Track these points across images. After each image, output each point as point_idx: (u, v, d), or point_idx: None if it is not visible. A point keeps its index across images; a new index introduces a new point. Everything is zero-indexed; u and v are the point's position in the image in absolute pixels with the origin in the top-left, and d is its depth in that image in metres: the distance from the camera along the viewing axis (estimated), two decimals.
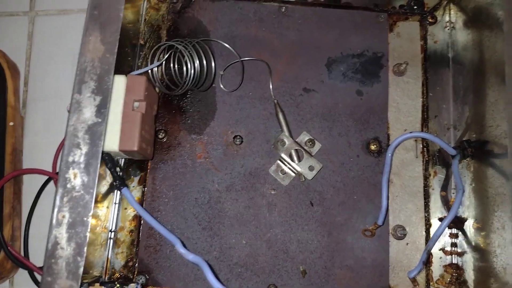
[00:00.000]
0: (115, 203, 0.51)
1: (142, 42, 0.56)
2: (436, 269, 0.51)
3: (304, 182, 0.52)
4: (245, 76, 0.55)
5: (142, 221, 0.51)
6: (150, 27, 0.57)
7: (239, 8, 0.57)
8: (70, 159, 0.36)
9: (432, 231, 0.52)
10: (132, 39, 0.54)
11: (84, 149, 0.36)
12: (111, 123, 0.41)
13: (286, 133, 0.53)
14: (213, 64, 0.52)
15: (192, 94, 0.55)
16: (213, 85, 0.54)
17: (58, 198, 0.35)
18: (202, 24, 0.56)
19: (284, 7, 0.57)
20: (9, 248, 0.56)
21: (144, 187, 0.52)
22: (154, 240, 0.51)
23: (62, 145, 0.63)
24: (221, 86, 0.54)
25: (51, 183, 0.63)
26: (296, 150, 0.52)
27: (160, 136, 0.53)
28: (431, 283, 0.51)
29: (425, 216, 0.52)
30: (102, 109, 0.37)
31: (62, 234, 0.35)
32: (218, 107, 0.54)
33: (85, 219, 0.35)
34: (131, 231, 0.51)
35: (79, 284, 0.34)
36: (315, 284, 0.50)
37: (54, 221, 0.35)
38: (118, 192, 0.51)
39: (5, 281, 0.60)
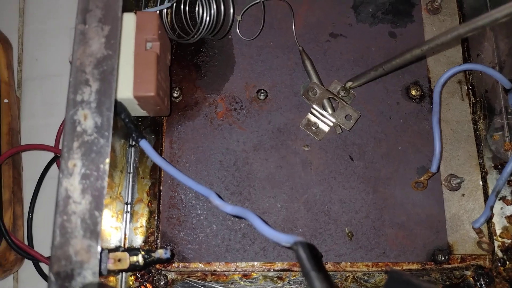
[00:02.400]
0: (129, 173, 0.45)
1: None
2: (498, 222, 0.45)
3: (340, 135, 0.46)
4: (265, 26, 0.49)
5: (162, 190, 0.45)
6: None
7: None
8: (79, 98, 0.30)
9: (489, 178, 0.46)
10: None
11: (95, 86, 0.30)
12: (121, 67, 0.35)
13: (316, 81, 0.47)
14: (231, 8, 0.46)
15: (207, 47, 0.49)
16: (230, 34, 0.48)
17: (66, 144, 0.29)
18: None
19: None
20: (11, 237, 0.50)
21: (161, 153, 0.46)
22: (177, 210, 0.44)
23: None
24: (239, 33, 0.48)
25: (54, 167, 0.57)
26: (329, 99, 0.46)
27: (175, 95, 0.47)
28: (494, 237, 0.45)
29: (480, 163, 0.47)
30: (112, 40, 0.31)
31: (74, 185, 0.29)
32: (237, 60, 0.49)
33: (102, 166, 0.29)
34: (150, 201, 0.44)
35: (98, 242, 0.28)
36: (364, 246, 0.44)
37: (64, 171, 0.29)
38: (132, 159, 0.45)
39: (8, 275, 0.53)
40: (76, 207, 0.28)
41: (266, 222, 0.29)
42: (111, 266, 0.31)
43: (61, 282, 0.27)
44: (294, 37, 0.48)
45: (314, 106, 0.46)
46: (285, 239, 0.26)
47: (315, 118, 0.47)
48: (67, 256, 0.28)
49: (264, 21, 0.49)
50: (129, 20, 0.37)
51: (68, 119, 0.30)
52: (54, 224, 0.28)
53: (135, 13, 0.37)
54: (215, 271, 0.43)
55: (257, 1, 0.47)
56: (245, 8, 0.48)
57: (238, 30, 0.48)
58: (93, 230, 0.28)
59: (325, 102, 0.46)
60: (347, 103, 0.46)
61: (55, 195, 0.58)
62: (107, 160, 0.29)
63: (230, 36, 0.49)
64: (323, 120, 0.46)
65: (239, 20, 0.47)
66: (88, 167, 0.29)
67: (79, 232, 0.28)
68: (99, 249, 0.28)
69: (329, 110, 0.46)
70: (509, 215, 0.45)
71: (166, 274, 0.43)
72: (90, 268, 0.27)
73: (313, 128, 0.47)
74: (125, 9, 0.39)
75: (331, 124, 0.46)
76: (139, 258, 0.33)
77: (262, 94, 0.47)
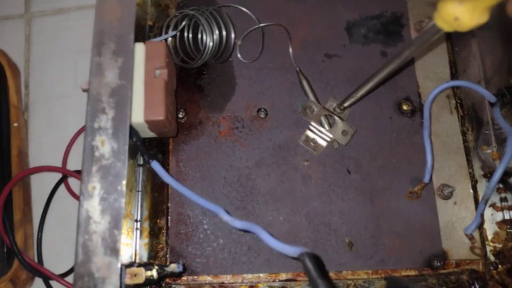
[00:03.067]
0: (138, 191, 0.47)
1: (150, 23, 0.53)
2: (489, 228, 0.48)
3: (338, 149, 0.49)
4: (264, 49, 0.52)
5: (170, 206, 0.47)
6: (158, 7, 0.54)
7: None
8: (96, 125, 0.32)
9: (479, 187, 0.49)
10: (140, 21, 0.51)
11: (110, 113, 0.33)
12: (133, 94, 0.38)
13: (313, 99, 0.50)
14: (232, 33, 0.49)
15: (209, 70, 0.51)
16: (231, 57, 0.51)
17: (85, 168, 0.31)
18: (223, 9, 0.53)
19: None
20: (23, 256, 0.52)
21: (168, 171, 0.48)
22: (184, 226, 0.47)
23: (73, 141, 0.59)
24: (239, 56, 0.51)
25: (62, 187, 0.59)
26: (326, 116, 0.49)
27: (180, 116, 0.49)
28: (486, 242, 0.47)
29: (470, 172, 0.49)
30: (125, 71, 0.34)
31: (94, 206, 0.31)
32: (237, 81, 0.51)
33: (119, 187, 0.31)
34: (158, 218, 0.47)
35: (118, 259, 0.30)
36: (364, 255, 0.46)
37: (84, 193, 0.31)
38: (140, 178, 0.47)
39: None
40: (96, 226, 0.30)
41: (273, 236, 0.31)
42: (128, 281, 0.34)
43: None
44: (291, 59, 0.51)
45: (312, 123, 0.49)
46: (292, 250, 0.28)
47: (313, 134, 0.49)
48: (90, 273, 0.30)
49: (263, 45, 0.52)
50: (139, 50, 0.39)
51: (87, 145, 0.32)
52: (77, 243, 0.30)
53: (144, 43, 0.40)
54: (222, 283, 0.45)
55: (256, 26, 0.50)
56: (245, 33, 0.51)
57: (238, 54, 0.51)
58: (113, 248, 0.30)
59: (322, 119, 0.49)
60: (343, 120, 0.49)
61: (64, 213, 0.60)
62: (124, 182, 0.31)
63: (231, 59, 0.52)
64: (321, 136, 0.49)
65: (239, 44, 0.50)
66: (107, 189, 0.31)
67: (100, 250, 0.30)
68: (119, 265, 0.30)
69: (326, 127, 0.49)
70: (499, 221, 0.48)
71: None
72: (111, 284, 0.30)
73: (312, 144, 0.49)
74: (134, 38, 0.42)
75: (329, 139, 0.49)
76: (154, 273, 0.35)
77: (262, 113, 0.50)
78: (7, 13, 0.68)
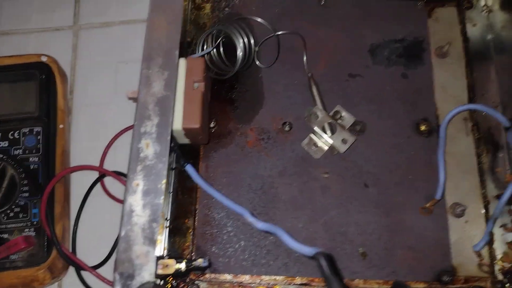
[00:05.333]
0: (170, 192, 0.51)
1: (189, 39, 0.58)
2: (499, 248, 0.50)
3: (356, 164, 0.52)
4: (291, 66, 0.56)
5: (198, 208, 0.51)
6: (196, 25, 0.59)
7: (280, 3, 0.59)
8: (142, 130, 0.37)
9: (491, 207, 0.51)
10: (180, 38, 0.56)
11: (155, 120, 0.37)
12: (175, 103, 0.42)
13: (320, 106, 0.53)
14: (252, 39, 0.54)
15: (240, 84, 0.56)
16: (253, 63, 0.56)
17: (131, 167, 0.36)
18: (255, 28, 0.58)
19: (323, 0, 0.59)
20: (61, 247, 0.56)
21: None
22: (210, 227, 0.50)
23: (111, 143, 0.64)
24: (257, 62, 0.55)
25: (98, 185, 0.64)
26: (330, 124, 0.52)
27: (211, 125, 0.54)
28: (495, 262, 0.49)
29: (482, 193, 0.52)
30: (170, 83, 0.38)
31: (137, 201, 0.35)
32: (266, 96, 0.55)
33: (159, 186, 0.35)
34: (187, 218, 0.51)
35: (155, 249, 0.34)
36: (377, 266, 0.49)
37: (129, 189, 0.35)
38: (172, 181, 0.51)
39: (55, 282, 0.60)
40: (138, 219, 0.35)
41: (292, 237, 0.35)
42: (160, 271, 0.37)
43: (124, 281, 0.33)
44: (308, 69, 0.54)
45: (315, 128, 0.52)
46: (309, 250, 0.32)
47: (316, 139, 0.53)
48: (130, 260, 0.34)
49: (279, 51, 0.56)
50: (181, 64, 0.44)
51: (134, 146, 0.37)
52: (120, 232, 0.34)
53: (186, 58, 0.45)
54: (241, 282, 0.49)
55: (271, 35, 0.55)
56: (262, 40, 0.56)
57: (256, 60, 0.55)
58: (151, 239, 0.34)
59: (325, 125, 0.52)
60: (344, 128, 0.52)
61: (98, 210, 0.65)
62: (164, 181, 0.36)
63: (260, 75, 0.56)
64: (322, 141, 0.52)
65: (256, 50, 0.55)
66: (149, 186, 0.35)
67: (140, 240, 0.34)
68: (155, 254, 0.34)
69: (328, 133, 0.52)
70: (510, 241, 0.50)
71: (199, 284, 0.49)
72: (147, 270, 0.34)
73: (313, 147, 0.53)
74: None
75: (329, 145, 0.52)
76: (182, 265, 0.39)
77: (287, 126, 0.54)
78: (58, 24, 0.75)
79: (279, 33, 0.56)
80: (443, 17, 0.59)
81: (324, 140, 0.52)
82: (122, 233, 0.34)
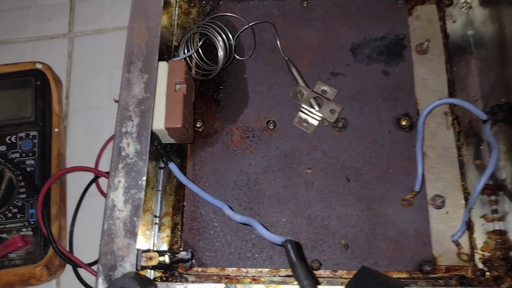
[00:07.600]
0: (158, 190, 0.53)
1: (176, 43, 0.60)
2: (480, 237, 0.51)
3: (338, 159, 0.54)
4: (273, 66, 0.58)
5: (185, 205, 0.53)
6: (182, 29, 0.61)
7: (263, 6, 0.61)
8: (123, 130, 0.39)
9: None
10: (167, 42, 0.58)
11: (136, 120, 0.39)
12: (156, 105, 0.44)
13: (303, 84, 0.55)
14: (229, 35, 0.56)
15: (225, 85, 0.58)
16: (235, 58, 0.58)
17: (113, 165, 0.38)
18: (230, 22, 0.60)
19: (305, 2, 0.61)
20: (57, 245, 0.59)
21: (185, 174, 0.54)
22: (197, 223, 0.52)
23: (105, 146, 0.67)
24: (236, 56, 0.58)
25: (93, 186, 0.66)
26: (315, 98, 0.54)
27: (198, 125, 0.56)
28: (475, 251, 0.50)
29: (463, 185, 0.53)
30: (149, 86, 0.40)
31: (118, 197, 0.37)
32: (250, 96, 0.57)
33: (140, 182, 0.37)
34: (175, 214, 0.53)
35: (136, 241, 0.36)
36: (359, 257, 0.50)
37: (111, 186, 0.37)
38: (161, 179, 0.53)
39: (52, 279, 0.62)
40: (119, 214, 0.37)
41: (266, 228, 0.36)
42: (143, 263, 0.39)
43: (107, 272, 0.35)
44: (288, 63, 0.56)
45: (303, 105, 0.54)
46: (279, 239, 0.33)
47: (305, 115, 0.55)
48: (112, 251, 0.36)
49: (255, 42, 0.59)
50: (163, 67, 0.46)
51: (115, 145, 0.39)
52: (103, 226, 0.36)
53: (167, 61, 0.47)
54: (228, 275, 0.51)
55: (246, 26, 0.57)
56: (238, 33, 0.58)
57: (235, 54, 0.57)
58: (132, 232, 0.36)
59: (312, 101, 0.54)
60: (330, 100, 0.54)
61: (94, 210, 0.67)
62: (144, 178, 0.37)
63: (245, 76, 0.58)
64: (312, 116, 0.55)
65: (234, 45, 0.57)
66: (130, 183, 0.37)
67: (121, 233, 0.36)
68: (136, 246, 0.36)
69: (316, 107, 0.54)
70: (490, 231, 0.51)
71: (187, 277, 0.51)
72: (129, 261, 0.35)
73: (304, 124, 0.54)
74: (160, 57, 0.49)
75: (319, 119, 0.54)
76: (166, 258, 0.41)
77: (271, 124, 0.56)
78: (53, 32, 0.77)
79: (252, 24, 0.59)
80: (424, 15, 0.60)
81: (314, 115, 0.54)
82: (105, 227, 0.36)
